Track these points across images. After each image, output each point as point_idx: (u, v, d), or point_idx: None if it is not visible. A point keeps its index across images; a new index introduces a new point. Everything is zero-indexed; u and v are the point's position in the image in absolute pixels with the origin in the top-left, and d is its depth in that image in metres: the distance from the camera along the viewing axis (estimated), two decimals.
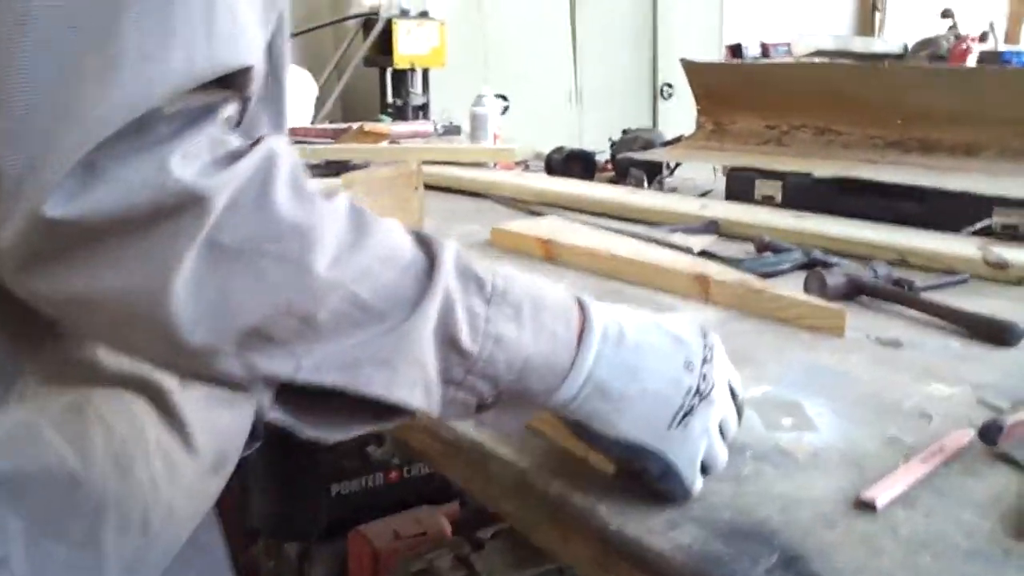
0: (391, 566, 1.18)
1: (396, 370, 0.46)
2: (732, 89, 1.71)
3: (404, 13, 3.08)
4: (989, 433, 0.61)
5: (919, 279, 1.02)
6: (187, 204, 0.39)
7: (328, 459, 1.27)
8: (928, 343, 0.86)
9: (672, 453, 0.53)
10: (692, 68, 1.75)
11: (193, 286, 0.40)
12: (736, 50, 6.03)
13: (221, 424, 0.59)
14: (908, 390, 0.74)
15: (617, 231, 1.27)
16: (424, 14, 3.15)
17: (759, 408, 0.70)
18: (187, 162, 0.39)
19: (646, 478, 0.54)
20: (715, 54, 4.66)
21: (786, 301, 0.92)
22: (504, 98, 4.15)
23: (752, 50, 6.34)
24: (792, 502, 0.56)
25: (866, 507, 0.54)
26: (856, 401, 0.72)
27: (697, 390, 0.53)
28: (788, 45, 6.47)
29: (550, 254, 1.18)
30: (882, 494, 0.55)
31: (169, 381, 0.53)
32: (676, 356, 0.54)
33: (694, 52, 4.17)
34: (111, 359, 0.51)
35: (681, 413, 0.53)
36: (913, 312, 0.94)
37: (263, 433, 0.64)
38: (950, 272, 1.06)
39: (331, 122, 2.97)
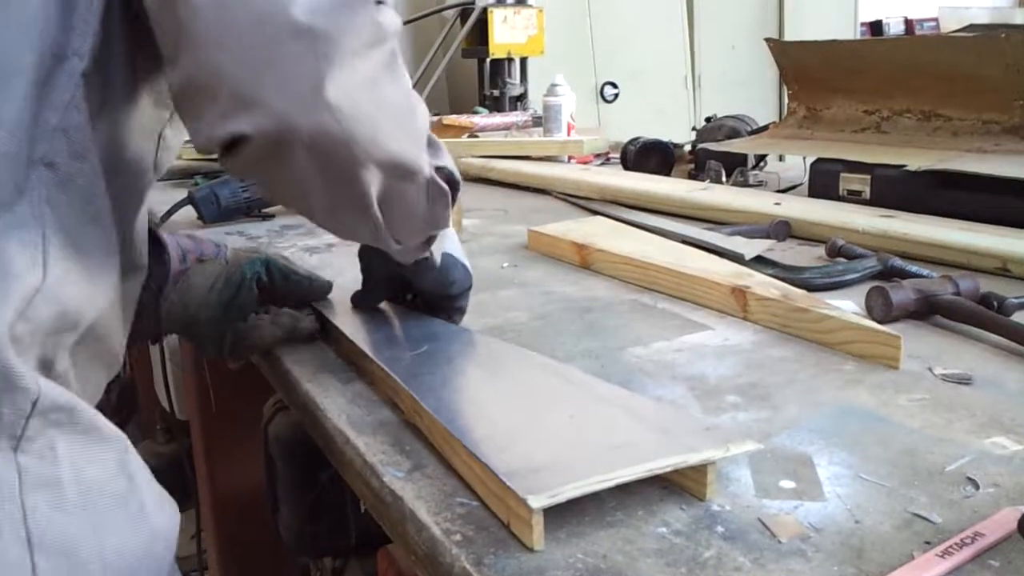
0: None
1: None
2: (827, 71, 1.53)
3: (500, 1, 2.99)
4: None
5: (1017, 296, 0.84)
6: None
7: None
8: (1007, 381, 0.69)
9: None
10: (780, 48, 1.57)
11: None
12: (876, 27, 5.63)
13: None
14: (959, 445, 0.59)
15: (667, 233, 1.14)
16: (521, 1, 3.05)
17: (757, 465, 0.57)
18: None
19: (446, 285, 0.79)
20: (850, 35, 4.34)
21: (832, 322, 0.77)
22: (614, 85, 4.02)
23: (895, 27, 5.91)
24: None
25: None
26: (888, 459, 0.57)
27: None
28: (936, 20, 5.99)
29: (584, 260, 1.06)
30: None
31: None
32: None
33: (826, 31, 3.88)
34: None
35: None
36: (998, 339, 0.77)
37: None
38: None
39: (436, 114, 2.93)
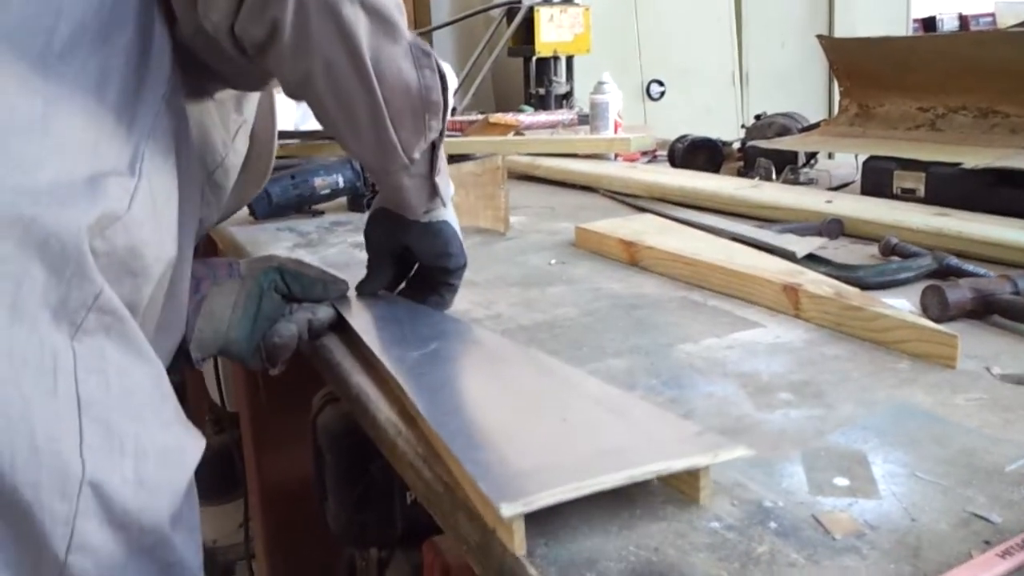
0: None
1: None
2: (879, 67, 1.50)
3: (547, 0, 2.99)
4: None
5: None
6: None
7: None
8: None
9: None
10: (832, 45, 1.55)
11: None
12: (929, 24, 5.50)
13: None
14: (1019, 446, 0.57)
15: (717, 231, 1.13)
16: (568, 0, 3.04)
17: (811, 461, 0.56)
18: None
19: (445, 256, 0.85)
20: (902, 32, 4.25)
21: (887, 321, 0.76)
22: (660, 83, 3.99)
23: (948, 23, 5.77)
24: None
25: None
26: (945, 459, 0.56)
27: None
28: (992, 15, 5.84)
29: (633, 257, 1.06)
30: None
31: None
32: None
33: (877, 29, 3.82)
34: None
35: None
36: None
37: None
38: None
39: (481, 112, 2.94)
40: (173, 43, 0.67)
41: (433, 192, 0.82)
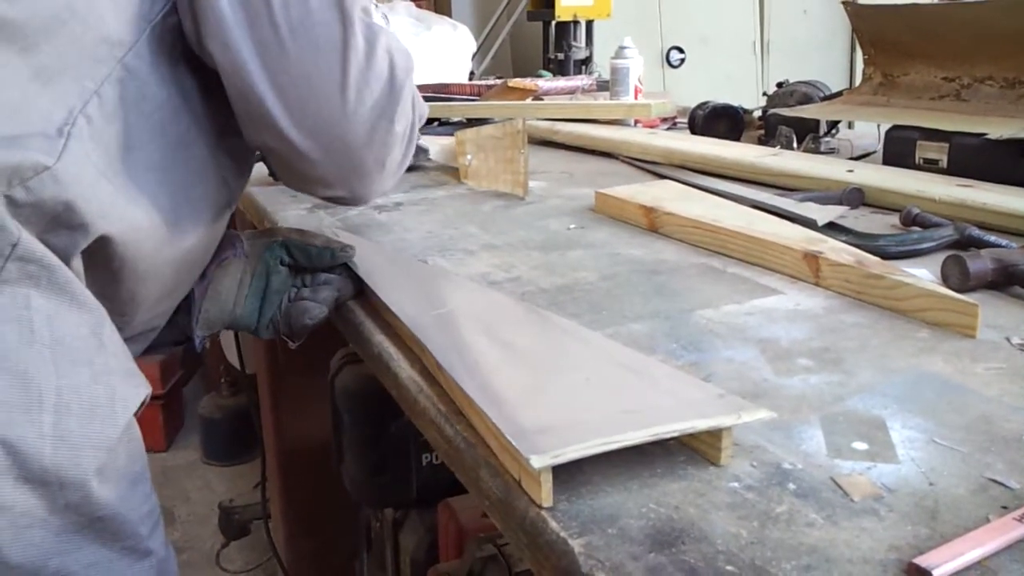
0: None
1: None
2: (905, 35, 1.48)
3: None
4: None
5: None
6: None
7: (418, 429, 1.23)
8: None
9: None
10: (857, 11, 1.53)
11: None
12: None
13: None
14: None
15: (737, 198, 1.13)
16: None
17: (829, 426, 0.57)
18: None
19: None
20: None
21: (907, 290, 0.76)
22: (680, 50, 3.95)
23: None
24: (823, 560, 0.43)
25: None
26: (964, 426, 0.57)
27: None
28: None
29: (652, 223, 1.06)
30: (946, 562, 0.42)
31: None
32: None
33: None
34: None
35: None
36: None
37: None
38: None
39: (498, 76, 2.92)
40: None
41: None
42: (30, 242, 0.57)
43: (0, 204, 0.55)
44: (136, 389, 0.62)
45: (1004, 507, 0.47)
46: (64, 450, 0.55)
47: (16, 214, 0.56)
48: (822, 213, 1.02)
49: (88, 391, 0.58)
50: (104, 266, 0.64)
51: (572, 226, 1.11)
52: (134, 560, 0.60)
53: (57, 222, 0.59)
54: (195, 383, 3.08)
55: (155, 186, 0.67)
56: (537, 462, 0.47)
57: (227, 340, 1.98)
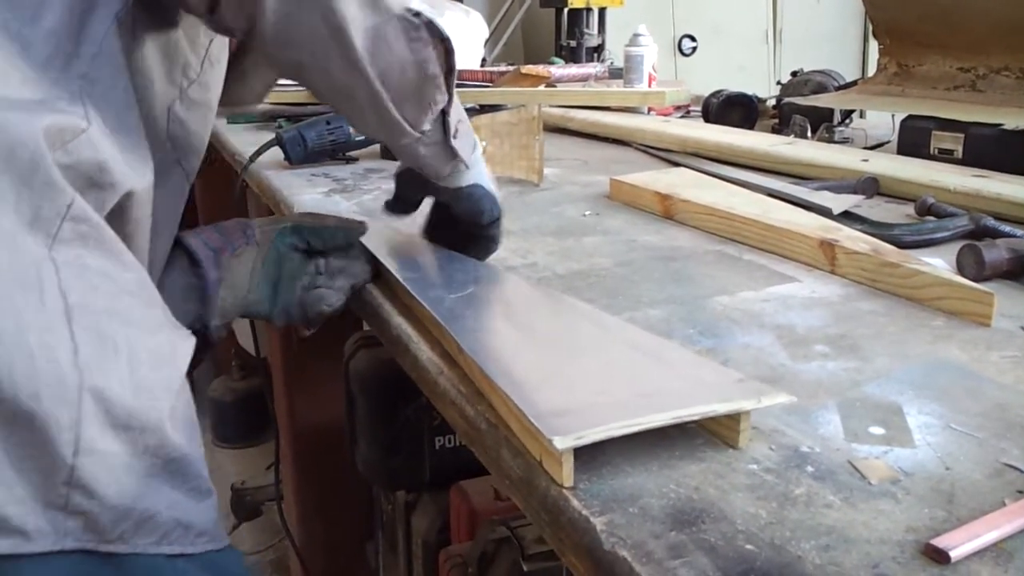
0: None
1: None
2: (921, 24, 1.48)
3: None
4: None
5: None
6: None
7: (431, 412, 1.24)
8: None
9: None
10: (873, 1, 1.52)
11: None
12: None
13: None
14: None
15: (752, 186, 1.13)
16: None
17: (846, 411, 0.58)
18: None
19: (476, 213, 0.82)
20: None
21: (923, 278, 0.76)
22: (692, 39, 3.94)
23: None
24: (841, 540, 0.44)
25: (936, 558, 0.42)
26: (979, 412, 0.57)
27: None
28: None
29: (668, 210, 1.07)
30: (963, 543, 0.42)
31: None
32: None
33: None
34: None
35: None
36: None
37: None
38: None
39: (510, 63, 2.91)
40: None
41: (452, 155, 0.78)
42: (82, 202, 0.58)
43: (53, 166, 0.57)
44: (185, 340, 0.65)
45: (1020, 491, 0.48)
46: (143, 395, 0.58)
47: (64, 175, 0.58)
48: (837, 202, 1.02)
49: (152, 341, 0.61)
50: (119, 229, 0.65)
51: (587, 213, 1.12)
52: (199, 499, 0.62)
53: (91, 182, 0.60)
54: (206, 366, 3.10)
55: (136, 131, 0.68)
56: (560, 443, 0.48)
57: (240, 324, 2.00)
